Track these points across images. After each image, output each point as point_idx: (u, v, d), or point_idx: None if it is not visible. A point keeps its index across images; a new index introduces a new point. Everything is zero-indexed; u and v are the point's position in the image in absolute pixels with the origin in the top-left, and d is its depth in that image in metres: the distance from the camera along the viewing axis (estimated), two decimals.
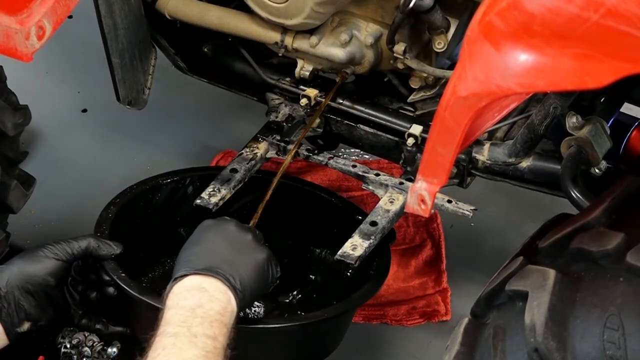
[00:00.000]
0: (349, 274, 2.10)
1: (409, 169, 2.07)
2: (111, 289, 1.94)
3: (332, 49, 2.09)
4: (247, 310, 2.13)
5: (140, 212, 2.15)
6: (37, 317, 1.86)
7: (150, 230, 2.18)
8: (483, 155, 2.03)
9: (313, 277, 2.21)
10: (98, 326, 1.97)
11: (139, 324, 1.97)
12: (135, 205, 2.14)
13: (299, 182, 2.26)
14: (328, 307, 1.97)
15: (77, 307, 1.93)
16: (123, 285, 1.89)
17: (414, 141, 2.04)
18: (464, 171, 2.04)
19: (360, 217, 2.07)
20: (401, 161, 2.09)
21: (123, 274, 1.91)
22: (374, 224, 1.98)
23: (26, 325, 1.85)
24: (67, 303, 1.92)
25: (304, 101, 2.15)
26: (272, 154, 2.15)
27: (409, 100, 2.13)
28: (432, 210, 1.72)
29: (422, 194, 1.58)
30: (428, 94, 2.10)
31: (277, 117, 2.17)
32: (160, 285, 2.16)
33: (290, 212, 2.21)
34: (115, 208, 2.09)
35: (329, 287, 2.17)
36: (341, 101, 2.16)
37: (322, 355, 2.04)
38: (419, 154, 2.05)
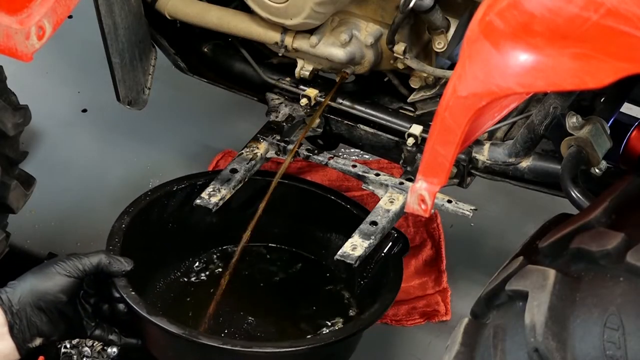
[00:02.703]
0: (362, 283, 2.10)
1: (409, 169, 2.07)
2: (121, 306, 1.96)
3: (332, 49, 2.09)
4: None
5: (154, 219, 2.16)
6: (49, 333, 1.87)
7: (165, 236, 2.18)
8: (483, 155, 2.03)
9: (328, 287, 2.22)
10: (111, 337, 1.98)
11: (149, 340, 1.98)
12: (149, 213, 2.14)
13: (310, 185, 2.25)
14: (337, 330, 1.97)
15: (89, 319, 1.95)
16: (132, 304, 1.90)
17: (414, 141, 2.04)
18: (464, 171, 2.04)
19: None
20: (401, 161, 2.09)
21: (133, 292, 1.92)
22: (374, 224, 1.98)
23: (38, 341, 1.87)
24: (79, 316, 1.93)
25: (304, 101, 2.15)
26: (272, 154, 2.15)
27: (409, 100, 2.13)
28: (432, 210, 1.72)
29: (422, 194, 1.57)
30: (428, 94, 2.10)
31: (277, 117, 2.17)
32: (175, 290, 2.16)
33: (303, 218, 2.22)
34: (128, 217, 2.09)
35: (339, 291, 2.18)
36: (341, 101, 2.16)
37: None
38: (419, 154, 2.05)
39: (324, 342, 1.90)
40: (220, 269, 2.21)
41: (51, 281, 1.86)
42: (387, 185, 2.05)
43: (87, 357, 2.25)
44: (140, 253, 2.02)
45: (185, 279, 2.20)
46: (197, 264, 2.23)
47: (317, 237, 2.23)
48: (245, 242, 2.04)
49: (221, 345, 1.86)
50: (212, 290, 2.12)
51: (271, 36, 2.13)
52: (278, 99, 2.21)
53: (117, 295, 1.94)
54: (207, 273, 2.22)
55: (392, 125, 2.11)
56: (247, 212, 2.13)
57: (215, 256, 2.25)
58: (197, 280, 2.21)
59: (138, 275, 1.97)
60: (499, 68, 1.35)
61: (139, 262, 1.96)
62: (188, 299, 2.17)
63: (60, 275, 1.86)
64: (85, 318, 1.94)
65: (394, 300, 2.00)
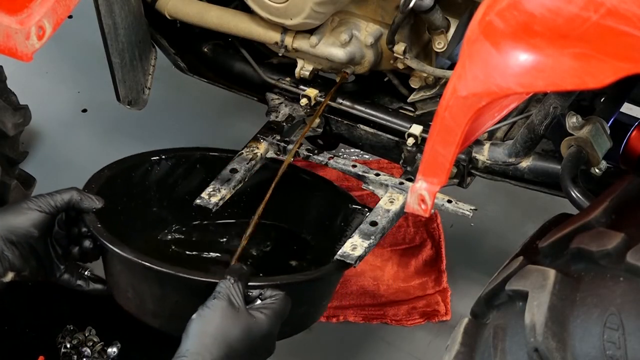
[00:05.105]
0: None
1: (409, 169, 2.07)
2: (88, 242, 1.95)
3: (332, 49, 2.09)
4: None
5: (135, 182, 2.14)
6: (20, 268, 1.87)
7: (144, 201, 2.16)
8: (483, 155, 2.03)
9: (294, 264, 2.20)
10: (79, 282, 1.98)
11: (112, 278, 1.97)
12: (130, 174, 2.13)
13: (293, 169, 2.21)
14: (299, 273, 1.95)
15: (59, 261, 1.95)
16: (97, 235, 1.89)
17: (414, 141, 2.05)
18: (464, 171, 2.04)
19: (352, 206, 2.07)
20: (401, 161, 2.09)
21: (99, 225, 1.91)
22: (374, 224, 1.98)
23: (10, 275, 1.87)
24: (50, 256, 1.93)
25: (304, 101, 2.15)
26: (272, 154, 2.14)
27: (409, 100, 2.13)
28: (432, 210, 1.73)
29: (422, 194, 1.58)
30: (428, 94, 2.10)
31: (277, 117, 2.17)
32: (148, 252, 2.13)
33: (278, 197, 2.18)
34: (109, 172, 2.08)
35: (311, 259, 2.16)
36: (341, 101, 2.16)
37: (298, 326, 2.00)
38: (419, 154, 2.05)
39: (280, 282, 1.85)
40: (196, 240, 2.18)
41: (23, 216, 1.87)
42: (387, 185, 2.05)
43: (87, 357, 2.25)
44: (116, 215, 2.01)
45: (160, 244, 2.18)
46: (173, 232, 2.21)
47: (293, 210, 2.20)
48: (250, 233, 2.01)
49: (177, 273, 1.83)
50: (185, 255, 2.12)
51: (271, 36, 2.13)
52: (278, 99, 2.21)
53: (84, 229, 1.94)
54: (182, 242, 2.20)
55: (392, 125, 2.11)
56: (231, 204, 2.12)
57: (191, 228, 2.22)
58: (170, 247, 2.19)
59: (111, 233, 1.94)
60: (499, 68, 1.35)
61: (113, 221, 1.95)
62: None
63: (32, 210, 1.87)
64: (56, 259, 1.94)
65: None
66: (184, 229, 2.20)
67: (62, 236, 1.94)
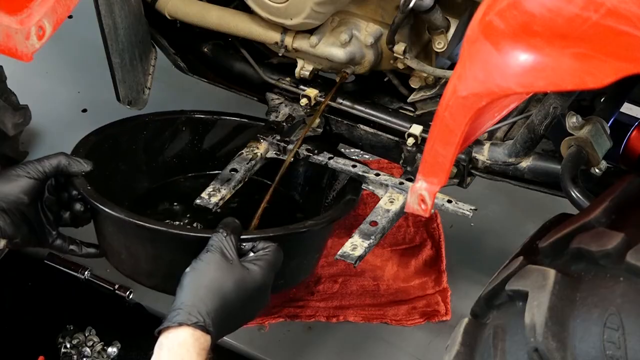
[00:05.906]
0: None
1: (409, 169, 2.07)
2: (78, 205, 1.96)
3: (332, 49, 2.09)
4: None
5: (122, 147, 2.16)
6: (12, 235, 1.87)
7: (130, 166, 2.18)
8: (483, 155, 2.03)
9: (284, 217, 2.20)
10: (72, 247, 1.99)
11: (104, 241, 1.97)
12: (117, 138, 2.16)
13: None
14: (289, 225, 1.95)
15: (51, 227, 1.95)
16: (87, 197, 1.91)
17: (414, 141, 2.05)
18: (464, 171, 2.04)
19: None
20: (401, 161, 2.09)
21: (89, 187, 1.92)
22: (374, 224, 1.98)
23: (2, 243, 1.88)
24: (41, 222, 1.94)
25: (304, 101, 2.15)
26: (272, 154, 2.14)
27: (409, 100, 2.13)
28: (432, 210, 1.73)
29: (422, 194, 1.58)
30: (428, 94, 2.10)
31: (277, 117, 2.17)
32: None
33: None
34: (95, 137, 2.11)
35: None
36: (341, 101, 2.16)
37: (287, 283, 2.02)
38: (419, 154, 2.05)
39: (269, 234, 1.86)
40: (183, 200, 2.19)
41: (13, 183, 1.88)
42: (387, 185, 2.05)
43: (87, 357, 2.25)
44: (103, 179, 2.03)
45: (149, 206, 2.18)
46: (161, 194, 2.21)
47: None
48: (255, 224, 2.01)
49: (170, 230, 1.86)
50: (174, 215, 2.14)
51: (271, 36, 2.13)
52: (278, 99, 2.21)
53: (74, 193, 1.95)
54: (170, 202, 2.21)
55: (392, 125, 2.11)
56: (217, 152, 2.16)
57: (179, 189, 2.23)
58: (158, 208, 2.19)
59: (101, 194, 1.95)
60: (499, 68, 1.35)
61: (101, 185, 1.96)
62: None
63: (21, 176, 1.88)
64: (47, 225, 1.95)
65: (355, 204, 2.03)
66: (171, 190, 2.21)
67: (52, 202, 1.95)
